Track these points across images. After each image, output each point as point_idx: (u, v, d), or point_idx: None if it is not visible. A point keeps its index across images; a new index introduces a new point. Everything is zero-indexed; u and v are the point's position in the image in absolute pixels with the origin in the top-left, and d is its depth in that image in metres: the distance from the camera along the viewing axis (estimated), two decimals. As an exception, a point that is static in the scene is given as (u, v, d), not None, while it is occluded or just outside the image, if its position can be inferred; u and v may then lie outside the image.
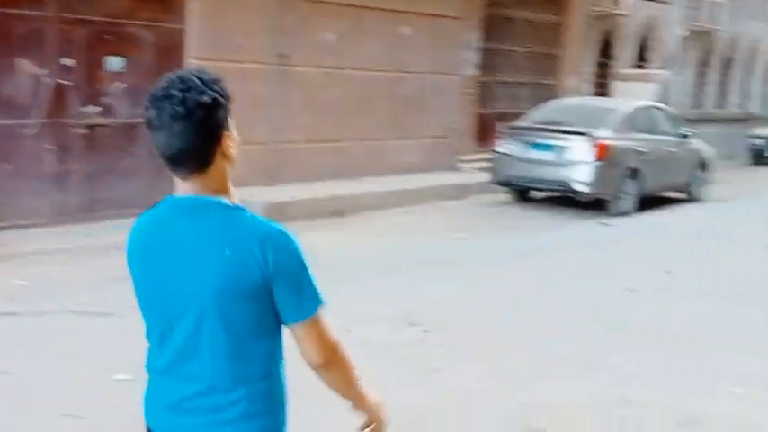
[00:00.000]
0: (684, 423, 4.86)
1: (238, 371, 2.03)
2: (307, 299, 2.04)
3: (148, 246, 2.07)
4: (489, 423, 4.77)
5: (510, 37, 16.71)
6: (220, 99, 2.00)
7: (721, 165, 18.08)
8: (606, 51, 19.12)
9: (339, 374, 2.13)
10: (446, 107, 14.78)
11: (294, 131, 12.08)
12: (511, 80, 16.99)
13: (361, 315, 6.45)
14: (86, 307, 6.49)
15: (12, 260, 7.88)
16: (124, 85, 9.86)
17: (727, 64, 24.90)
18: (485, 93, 16.16)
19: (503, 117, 15.57)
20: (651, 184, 13.30)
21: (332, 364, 2.09)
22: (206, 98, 1.97)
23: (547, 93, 17.08)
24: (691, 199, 14.62)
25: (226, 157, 2.04)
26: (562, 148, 12.46)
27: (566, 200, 13.09)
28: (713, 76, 24.10)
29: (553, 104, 14.49)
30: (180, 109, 1.94)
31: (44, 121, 9.22)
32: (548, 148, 12.59)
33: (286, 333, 2.09)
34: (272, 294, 2.00)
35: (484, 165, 14.15)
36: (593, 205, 12.69)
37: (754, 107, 26.56)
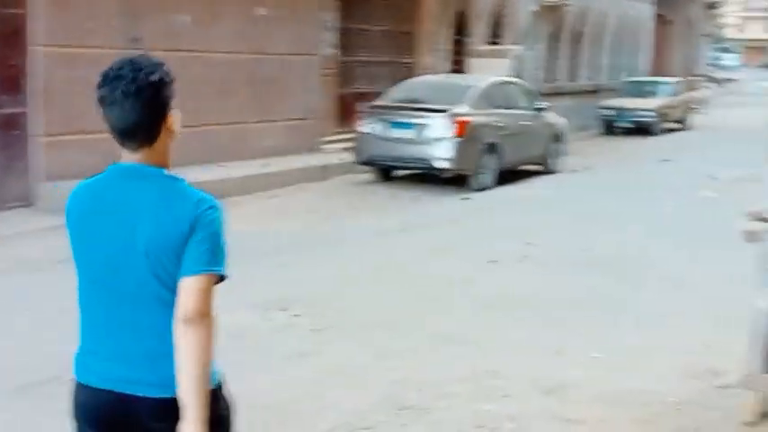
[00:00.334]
0: (548, 391, 5.03)
1: (168, 317, 2.19)
2: (211, 258, 2.22)
3: (93, 204, 2.28)
4: (360, 402, 4.80)
5: (367, 16, 16.74)
6: (166, 79, 2.26)
7: (575, 136, 18.77)
8: (461, 28, 19.44)
9: (198, 341, 2.17)
10: (307, 88, 14.70)
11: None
12: (370, 59, 17.04)
13: (228, 302, 6.31)
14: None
15: None
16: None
17: (577, 38, 25.76)
18: (344, 73, 16.16)
19: (363, 97, 15.61)
20: (509, 158, 13.64)
21: (200, 322, 2.17)
22: (154, 78, 2.22)
23: (405, 71, 17.23)
24: (547, 171, 15.09)
25: (169, 132, 2.30)
26: (422, 125, 12.62)
27: (428, 177, 13.28)
28: (564, 50, 24.88)
29: (412, 82, 14.65)
30: (131, 87, 2.18)
31: None
32: (408, 126, 12.73)
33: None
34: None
35: (346, 145, 14.18)
36: (455, 181, 12.92)
37: (604, 79, 27.61)
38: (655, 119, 23.18)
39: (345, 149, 14.14)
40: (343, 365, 5.40)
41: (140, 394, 2.24)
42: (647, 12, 31.29)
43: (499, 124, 13.28)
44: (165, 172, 2.28)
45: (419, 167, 13.27)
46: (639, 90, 24.66)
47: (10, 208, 9.74)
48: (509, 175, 13.76)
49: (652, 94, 24.30)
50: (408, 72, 17.13)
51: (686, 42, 38.94)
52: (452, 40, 19.02)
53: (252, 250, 8.43)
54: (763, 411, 4.44)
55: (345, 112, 15.57)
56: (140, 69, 2.22)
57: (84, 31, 10.66)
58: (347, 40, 16.04)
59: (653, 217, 10.93)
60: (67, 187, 2.51)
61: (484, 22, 20.13)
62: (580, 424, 4.60)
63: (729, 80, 53.58)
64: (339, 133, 15.39)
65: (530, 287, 7.44)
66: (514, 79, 15.97)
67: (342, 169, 13.82)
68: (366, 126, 13.12)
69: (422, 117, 12.68)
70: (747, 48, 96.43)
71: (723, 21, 77.80)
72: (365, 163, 13.41)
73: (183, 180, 2.29)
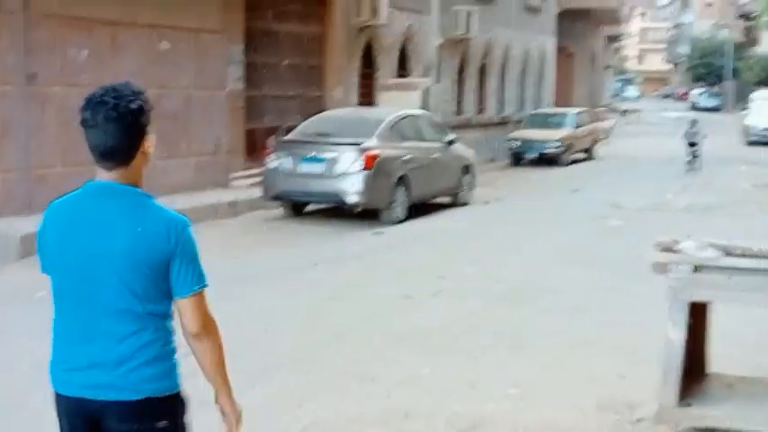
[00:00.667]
0: (465, 429, 4.90)
1: (137, 326, 2.44)
2: (195, 278, 2.49)
3: (70, 219, 2.46)
4: (271, 452, 4.59)
5: (274, 50, 16.62)
6: (145, 107, 2.47)
7: (484, 168, 18.94)
8: (369, 62, 19.48)
9: (211, 346, 2.56)
10: (214, 123, 14.46)
11: (50, 156, 11.35)
12: (278, 93, 16.90)
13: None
14: None
15: None
16: None
17: (483, 70, 26.12)
18: (252, 107, 15.97)
19: (272, 131, 15.45)
20: (420, 191, 13.63)
21: (206, 334, 2.54)
22: (134, 105, 2.43)
23: (314, 105, 17.14)
24: (458, 203, 15.12)
25: (144, 154, 2.51)
26: (331, 159, 12.50)
27: (340, 211, 13.15)
28: (471, 83, 25.19)
29: (321, 116, 14.54)
30: (113, 113, 2.39)
31: None
32: (317, 160, 12.59)
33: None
34: (168, 268, 2.44)
35: (256, 180, 13.96)
36: (367, 215, 12.82)
37: (510, 111, 28.05)
38: (561, 149, 23.59)
39: (255, 185, 13.92)
40: (244, 408, 5.15)
41: (111, 399, 2.43)
42: (549, 44, 32.02)
43: (409, 157, 13.26)
44: (139, 191, 2.49)
45: (330, 202, 13.13)
46: (545, 121, 25.11)
47: None
48: (420, 209, 13.74)
49: (557, 125, 24.75)
50: (317, 106, 17.04)
51: (589, 74, 40.00)
52: (361, 73, 19.03)
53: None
54: (678, 444, 4.41)
55: (254, 146, 15.37)
56: (122, 97, 2.42)
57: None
58: (254, 75, 15.87)
59: (563, 247, 11.00)
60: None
61: (392, 55, 20.22)
62: (497, 464, 4.49)
63: (632, 111, 55.17)
64: (248, 168, 15.16)
65: (443, 322, 7.33)
66: (423, 112, 16.02)
67: (252, 205, 13.59)
68: (274, 161, 12.93)
69: (331, 151, 12.57)
70: (647, 79, 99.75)
71: (624, 53, 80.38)
72: (274, 198, 13.21)
73: (153, 198, 2.50)
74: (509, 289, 8.53)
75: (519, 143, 23.89)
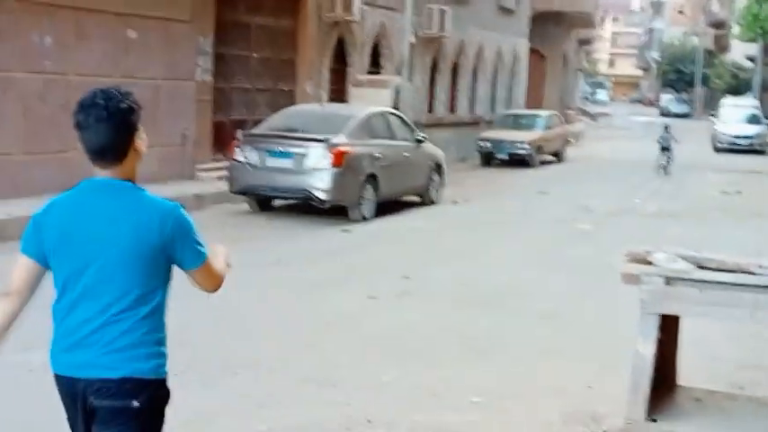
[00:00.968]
0: (427, 439, 4.76)
1: (132, 310, 2.62)
2: (199, 251, 2.75)
3: (72, 214, 2.63)
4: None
5: (245, 42, 16.39)
6: (134, 107, 2.64)
7: (454, 168, 18.81)
8: (342, 57, 19.29)
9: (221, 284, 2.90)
10: (181, 114, 14.21)
11: (9, 143, 11.06)
12: (248, 86, 16.68)
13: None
14: None
15: None
16: None
17: (455, 70, 26.02)
18: (221, 99, 15.74)
19: (241, 124, 15.23)
20: (389, 190, 13.47)
21: (220, 287, 2.91)
22: (124, 105, 2.60)
23: (284, 99, 16.94)
24: (427, 202, 14.98)
25: (136, 151, 2.68)
26: (300, 155, 12.31)
27: (307, 207, 12.97)
28: (443, 82, 25.08)
29: (291, 111, 14.35)
30: (104, 113, 2.57)
31: None
32: (286, 155, 12.40)
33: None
34: (167, 255, 2.67)
35: (223, 173, 13.73)
36: (335, 212, 12.65)
37: (482, 111, 27.98)
38: (531, 151, 23.54)
39: (221, 178, 13.69)
40: (200, 414, 4.97)
41: (95, 376, 2.59)
42: (522, 46, 31.99)
43: (378, 155, 13.10)
44: (133, 185, 2.66)
45: (297, 198, 12.95)
46: (516, 123, 25.07)
47: None
48: (389, 207, 13.59)
49: (528, 126, 24.71)
50: (287, 100, 16.84)
51: (561, 77, 40.05)
52: (332, 68, 18.84)
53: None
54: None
55: (222, 139, 15.13)
56: (112, 98, 2.59)
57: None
58: (224, 66, 15.64)
59: (532, 250, 10.91)
60: None
61: (364, 51, 20.04)
62: (459, 477, 4.35)
63: (602, 114, 55.44)
64: (215, 161, 14.94)
65: (408, 325, 7.19)
66: (394, 110, 15.86)
67: (219, 198, 13.36)
68: (241, 154, 12.71)
69: (300, 146, 12.37)
70: (617, 83, 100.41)
71: (595, 57, 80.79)
72: (240, 192, 12.99)
73: (146, 191, 2.69)
74: (476, 292, 8.41)
75: (489, 144, 23.81)
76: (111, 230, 2.59)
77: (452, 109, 26.13)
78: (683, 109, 61.18)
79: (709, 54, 59.46)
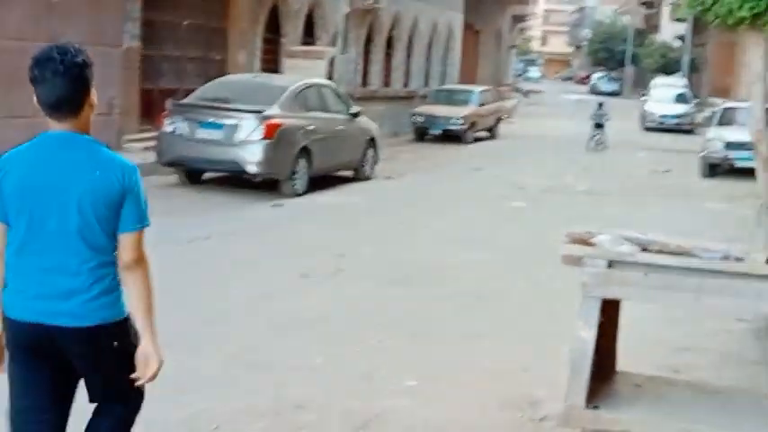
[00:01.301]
0: (361, 426, 4.59)
1: (90, 260, 2.77)
2: (138, 217, 2.82)
3: (30, 166, 2.74)
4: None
5: (175, 8, 15.91)
6: (88, 62, 2.75)
7: (388, 142, 18.65)
8: (275, 27, 18.89)
9: (142, 278, 2.87)
10: (107, 82, 13.65)
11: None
12: (177, 54, 16.21)
13: None
14: None
15: None
16: None
17: (390, 43, 25.78)
18: (150, 67, 15.27)
19: (170, 93, 14.78)
20: (322, 164, 13.23)
21: (139, 265, 2.85)
22: (78, 59, 2.71)
23: (216, 68, 16.53)
24: (361, 177, 14.79)
25: (91, 105, 2.80)
26: (231, 126, 11.99)
27: (238, 181, 12.66)
28: (378, 55, 24.82)
29: (222, 81, 13.99)
30: (60, 67, 2.67)
31: None
32: (216, 126, 12.06)
33: None
34: (120, 208, 2.77)
35: (151, 144, 13.31)
36: (267, 186, 12.38)
37: (416, 85, 27.82)
38: (465, 127, 23.49)
39: (149, 149, 13.28)
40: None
41: (63, 324, 2.77)
42: (457, 20, 31.89)
43: (312, 128, 12.84)
44: (91, 139, 2.77)
45: (228, 171, 12.63)
46: (450, 98, 24.95)
47: None
48: (322, 182, 13.35)
49: (462, 102, 24.62)
50: (219, 70, 16.43)
51: (494, 53, 40.12)
52: (266, 38, 18.44)
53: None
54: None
55: (151, 109, 14.68)
56: (66, 53, 2.70)
57: None
58: (153, 33, 15.16)
59: (466, 228, 10.82)
60: None
61: (298, 21, 19.66)
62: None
63: (534, 91, 55.81)
64: (143, 131, 14.48)
65: (340, 305, 7.01)
66: (328, 82, 15.59)
67: (147, 170, 12.75)
68: (170, 125, 12.33)
69: (231, 118, 12.05)
70: (549, 60, 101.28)
71: (528, 34, 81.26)
72: (169, 164, 12.61)
73: (104, 145, 2.81)
74: (410, 271, 8.26)
75: (423, 118, 23.68)
76: (74, 182, 2.70)
77: (387, 82, 25.91)
78: (613, 87, 61.97)
79: (640, 33, 60.23)
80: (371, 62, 24.46)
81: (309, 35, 20.37)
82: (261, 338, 5.99)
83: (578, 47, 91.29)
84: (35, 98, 2.73)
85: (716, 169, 17.75)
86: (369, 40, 24.03)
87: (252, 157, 11.90)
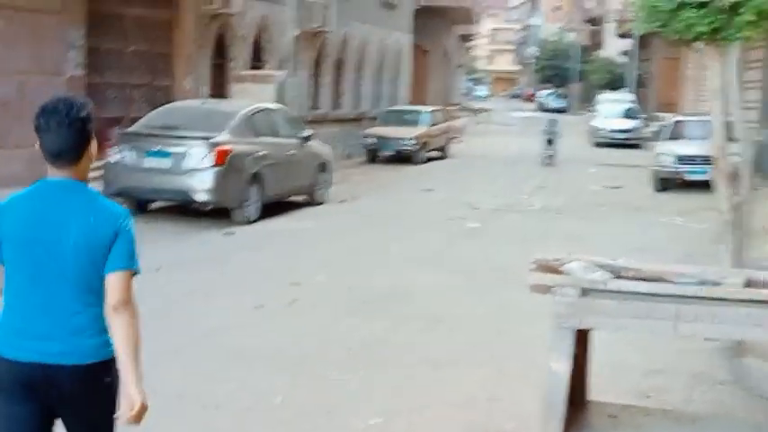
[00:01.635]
0: (324, 469, 4.36)
1: (87, 301, 2.83)
2: (128, 258, 2.86)
3: (30, 211, 2.84)
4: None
5: (118, 35, 15.58)
6: (91, 116, 2.89)
7: (340, 165, 18.45)
8: (222, 52, 18.62)
9: (128, 322, 2.85)
10: (49, 112, 13.33)
11: None
12: (123, 81, 15.87)
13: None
14: None
15: None
16: None
17: (339, 65, 25.64)
18: (94, 95, 14.84)
19: (116, 122, 14.42)
20: (274, 189, 12.98)
21: (125, 308, 2.83)
22: (82, 114, 2.85)
23: (162, 95, 16.20)
24: (314, 202, 14.55)
25: (90, 155, 2.90)
26: (179, 154, 11.70)
27: (188, 210, 12.36)
28: (327, 78, 24.67)
29: (170, 108, 13.67)
30: (65, 119, 2.82)
31: None
32: (164, 154, 11.76)
33: None
34: (109, 251, 2.82)
35: (97, 174, 12.93)
36: (217, 214, 12.09)
37: (366, 107, 27.69)
38: (416, 147, 23.38)
39: (96, 179, 12.89)
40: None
41: (62, 363, 2.81)
42: (405, 41, 31.90)
43: (263, 153, 12.59)
44: (88, 187, 2.88)
45: (177, 200, 12.32)
46: (400, 119, 24.83)
47: None
48: (274, 208, 13.09)
49: (412, 123, 24.50)
50: (166, 96, 16.10)
51: (442, 72, 40.24)
52: (213, 63, 18.16)
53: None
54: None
55: (96, 138, 14.28)
56: (72, 107, 2.83)
57: None
58: (97, 60, 14.82)
59: (421, 250, 10.63)
60: None
61: (246, 45, 19.42)
62: None
63: (482, 110, 56.07)
64: (88, 161, 14.08)
65: (297, 337, 6.76)
66: (278, 106, 15.36)
67: (91, 201, 12.58)
68: (117, 154, 12.00)
69: (179, 145, 11.75)
70: (496, 79, 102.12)
71: (475, 53, 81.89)
72: (116, 194, 12.18)
73: (99, 193, 2.95)
74: (367, 298, 8.04)
75: (375, 140, 23.54)
76: (71, 228, 2.80)
77: (337, 105, 25.75)
78: (560, 104, 62.44)
79: (585, 50, 60.93)
80: (321, 85, 24.29)
81: (258, 59, 20.14)
82: (215, 374, 5.72)
83: (525, 65, 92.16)
84: (38, 145, 2.85)
85: (668, 183, 17.84)
86: (318, 63, 23.87)
87: (201, 185, 11.62)
